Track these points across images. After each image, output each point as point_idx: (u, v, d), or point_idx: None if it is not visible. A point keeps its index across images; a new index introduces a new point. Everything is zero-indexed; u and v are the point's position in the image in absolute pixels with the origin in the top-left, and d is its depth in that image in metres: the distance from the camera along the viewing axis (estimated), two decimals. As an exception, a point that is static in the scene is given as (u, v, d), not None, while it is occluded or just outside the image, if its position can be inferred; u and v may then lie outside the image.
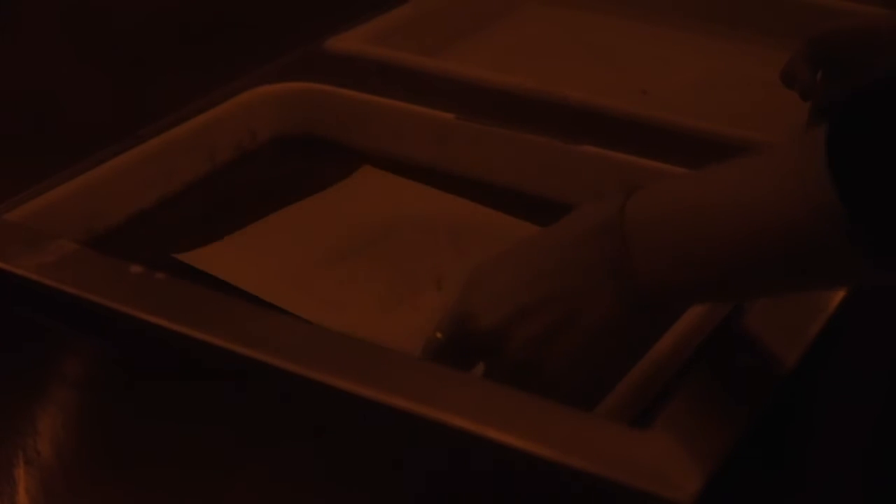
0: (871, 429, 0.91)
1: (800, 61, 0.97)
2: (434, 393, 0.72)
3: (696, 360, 0.80)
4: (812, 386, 0.81)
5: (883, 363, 0.91)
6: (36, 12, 0.99)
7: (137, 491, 0.83)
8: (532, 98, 1.11)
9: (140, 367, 0.80)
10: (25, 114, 0.99)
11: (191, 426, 0.79)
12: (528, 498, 0.70)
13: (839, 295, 0.81)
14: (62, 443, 0.84)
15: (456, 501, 0.72)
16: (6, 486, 0.85)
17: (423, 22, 1.29)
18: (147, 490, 0.82)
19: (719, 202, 0.70)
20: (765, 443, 0.75)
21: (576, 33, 1.34)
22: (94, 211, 0.97)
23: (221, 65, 1.12)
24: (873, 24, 0.97)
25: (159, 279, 0.82)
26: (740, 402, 0.73)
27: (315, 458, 0.76)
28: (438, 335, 0.78)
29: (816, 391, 0.82)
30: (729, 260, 0.70)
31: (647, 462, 0.67)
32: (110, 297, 0.79)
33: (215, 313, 0.79)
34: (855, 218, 0.63)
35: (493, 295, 0.76)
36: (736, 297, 0.79)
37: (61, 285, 0.80)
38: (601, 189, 1.02)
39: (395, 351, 0.79)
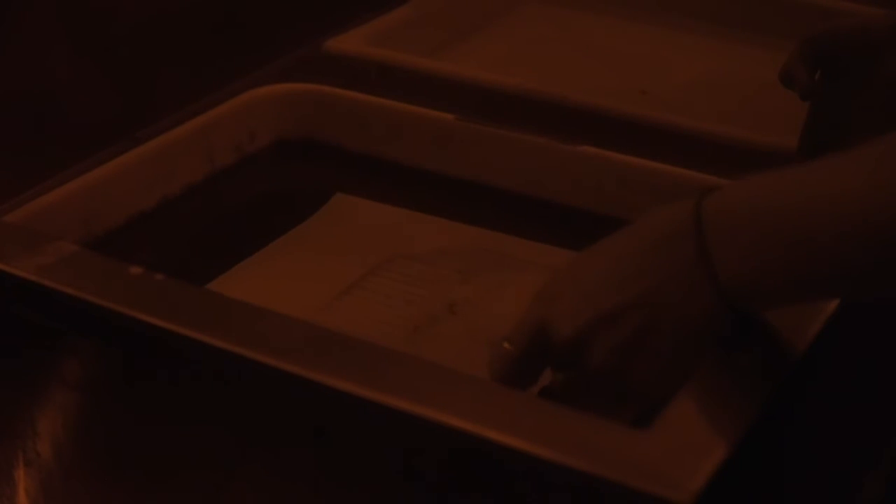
0: (871, 429, 0.91)
1: (797, 62, 0.97)
2: (434, 393, 0.72)
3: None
4: (812, 386, 0.81)
5: (883, 363, 0.91)
6: (36, 13, 0.99)
7: (137, 492, 0.83)
8: (532, 98, 1.11)
9: (139, 367, 0.80)
10: (25, 115, 0.99)
11: (190, 427, 0.79)
12: (528, 498, 0.70)
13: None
14: (62, 444, 0.84)
15: (456, 502, 0.72)
16: (6, 488, 0.85)
17: (423, 23, 1.29)
18: (147, 491, 0.82)
19: (804, 200, 0.69)
20: (765, 443, 0.75)
21: (576, 33, 1.34)
22: (93, 212, 0.97)
23: (221, 65, 1.12)
24: (870, 24, 0.97)
25: (159, 280, 0.82)
26: (740, 402, 0.73)
27: (315, 458, 0.75)
28: (507, 346, 0.76)
29: (817, 391, 0.82)
30: (817, 259, 0.68)
31: (647, 462, 0.67)
32: (109, 298, 0.79)
33: (215, 314, 0.79)
34: None
35: (572, 302, 0.74)
36: (824, 297, 0.77)
37: (60, 286, 0.80)
38: (601, 189, 1.02)
39: (395, 351, 0.79)
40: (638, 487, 0.66)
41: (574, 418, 0.71)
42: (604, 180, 1.02)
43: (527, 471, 0.68)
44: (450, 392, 0.73)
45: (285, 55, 1.17)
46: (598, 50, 1.30)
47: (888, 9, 1.06)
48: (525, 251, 0.99)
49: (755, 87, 1.15)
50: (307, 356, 0.74)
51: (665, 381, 0.73)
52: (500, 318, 0.88)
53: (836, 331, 0.80)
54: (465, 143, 1.07)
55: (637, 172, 1.02)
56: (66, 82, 1.02)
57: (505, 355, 0.75)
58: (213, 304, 0.81)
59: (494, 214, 1.04)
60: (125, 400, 0.82)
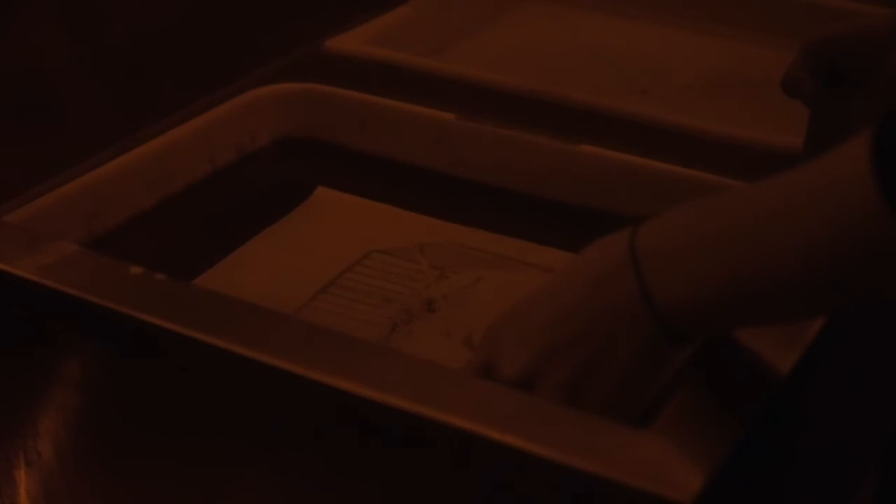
0: (871, 429, 0.91)
1: (800, 68, 0.97)
2: (434, 393, 0.72)
3: (697, 360, 0.80)
4: (812, 386, 0.81)
5: (883, 363, 0.91)
6: (37, 13, 0.99)
7: (138, 492, 0.83)
8: (532, 98, 1.11)
9: (140, 367, 0.80)
10: (26, 115, 0.99)
11: (191, 427, 0.79)
12: (528, 498, 0.70)
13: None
14: (63, 444, 0.84)
15: (456, 501, 0.72)
16: (7, 488, 0.85)
17: (424, 22, 1.29)
18: (147, 491, 0.82)
19: (744, 220, 0.68)
20: (765, 443, 0.75)
21: (576, 33, 1.34)
22: (94, 212, 0.97)
23: (221, 65, 1.12)
24: (872, 27, 0.97)
25: (159, 280, 0.82)
26: (741, 402, 0.73)
27: (315, 458, 0.76)
28: None
29: (816, 391, 0.82)
30: (753, 282, 0.67)
31: (647, 462, 0.67)
32: (110, 297, 0.79)
33: (215, 314, 0.79)
34: None
35: (512, 344, 0.74)
36: (766, 320, 0.75)
37: (61, 286, 0.80)
38: (602, 189, 1.02)
39: (395, 351, 0.79)
40: (638, 487, 0.66)
41: (574, 418, 0.71)
42: (604, 180, 1.02)
43: (527, 471, 0.68)
44: (450, 392, 0.73)
45: (286, 55, 1.17)
46: (598, 50, 1.30)
47: (889, 9, 1.06)
48: (504, 247, 0.99)
49: (755, 87, 1.15)
50: (307, 356, 0.74)
51: (617, 410, 0.73)
52: (476, 316, 0.89)
53: (835, 331, 0.80)
54: (464, 142, 1.07)
55: (637, 172, 1.02)
56: (66, 82, 1.02)
57: None
58: (213, 304, 0.81)
59: (494, 214, 1.04)
60: (126, 400, 0.82)
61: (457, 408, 0.70)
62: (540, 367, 0.73)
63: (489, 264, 0.97)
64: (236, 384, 0.76)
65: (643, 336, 0.71)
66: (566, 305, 0.73)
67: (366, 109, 1.11)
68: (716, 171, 0.99)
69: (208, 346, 0.75)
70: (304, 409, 0.74)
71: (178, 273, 0.89)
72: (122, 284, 0.81)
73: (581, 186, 1.03)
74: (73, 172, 0.97)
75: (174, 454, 0.80)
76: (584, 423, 0.71)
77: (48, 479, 0.84)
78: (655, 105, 1.14)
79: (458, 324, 0.90)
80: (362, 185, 1.07)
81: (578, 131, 1.05)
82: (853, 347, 0.87)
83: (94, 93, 1.03)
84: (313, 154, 1.11)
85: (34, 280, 0.81)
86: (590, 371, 0.72)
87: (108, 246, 0.96)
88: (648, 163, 1.01)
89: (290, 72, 1.14)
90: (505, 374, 0.74)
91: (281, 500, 0.78)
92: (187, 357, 0.77)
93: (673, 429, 0.70)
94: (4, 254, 0.83)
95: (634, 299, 0.71)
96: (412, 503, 0.74)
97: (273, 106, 1.11)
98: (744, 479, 0.73)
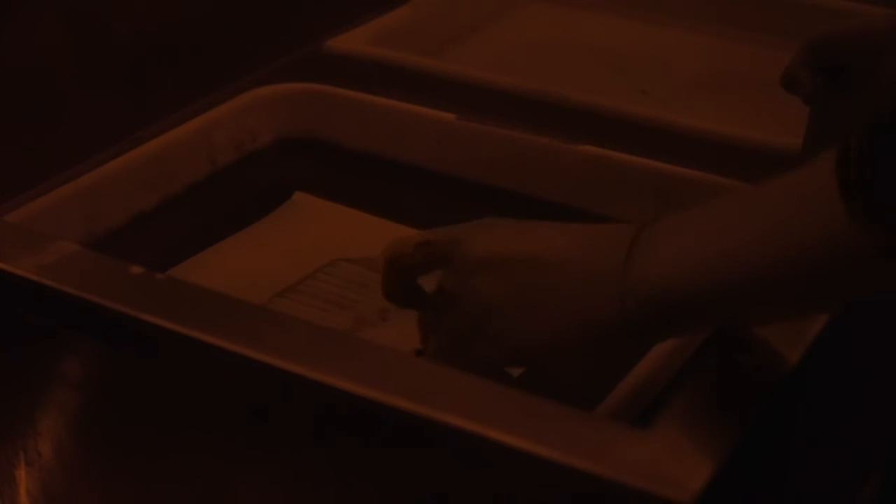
0: (871, 430, 0.91)
1: (800, 66, 0.97)
2: (434, 393, 0.72)
3: (697, 360, 0.80)
4: (812, 386, 0.81)
5: (883, 364, 0.91)
6: (37, 13, 0.99)
7: (138, 491, 0.83)
8: (532, 98, 1.11)
9: (140, 367, 0.80)
10: (26, 114, 0.99)
11: (191, 427, 0.79)
12: (528, 498, 0.70)
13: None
14: (63, 444, 0.84)
15: (456, 502, 0.72)
16: (7, 488, 0.85)
17: (424, 22, 1.29)
18: (148, 491, 0.82)
19: (731, 242, 0.69)
20: (766, 443, 0.75)
21: (576, 33, 1.34)
22: (94, 212, 0.97)
23: (222, 65, 1.12)
24: (873, 27, 0.97)
25: (160, 280, 0.82)
26: (741, 402, 0.73)
27: (315, 458, 0.76)
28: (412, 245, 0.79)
29: (817, 391, 0.82)
30: (736, 290, 0.69)
31: (647, 462, 0.67)
32: (111, 297, 0.79)
33: (216, 314, 0.79)
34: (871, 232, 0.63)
35: (483, 243, 0.76)
36: (751, 321, 0.77)
37: (62, 286, 0.80)
38: (602, 188, 1.02)
39: (395, 351, 0.79)
40: (638, 487, 0.66)
41: (574, 418, 0.71)
42: (604, 179, 1.02)
43: (527, 470, 0.68)
44: (450, 392, 0.73)
45: (286, 55, 1.17)
46: (598, 50, 1.30)
47: (889, 8, 1.06)
48: None
49: (755, 87, 1.15)
50: (307, 356, 0.74)
51: (538, 339, 0.75)
52: None
53: (836, 331, 0.80)
54: (465, 142, 1.07)
55: (638, 171, 1.02)
56: (67, 82, 1.02)
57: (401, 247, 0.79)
58: (213, 304, 0.81)
59: (494, 213, 1.04)
60: (126, 399, 0.82)
61: (457, 408, 0.70)
62: (490, 263, 0.75)
63: None
64: (237, 384, 0.76)
65: (595, 294, 0.72)
66: (541, 230, 0.75)
67: (366, 109, 1.11)
68: (716, 171, 0.99)
69: (208, 345, 0.75)
70: (304, 409, 0.74)
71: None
72: (123, 284, 0.81)
73: (581, 186, 1.03)
74: (73, 172, 0.97)
75: (174, 454, 0.80)
76: (585, 423, 0.72)
77: (48, 478, 0.84)
78: (655, 105, 1.14)
79: (410, 334, 0.90)
80: (362, 185, 1.07)
81: (579, 131, 1.05)
82: (854, 348, 0.87)
83: (94, 92, 1.03)
84: (314, 154, 1.11)
85: (34, 280, 0.81)
86: (526, 288, 0.74)
87: (108, 246, 0.96)
88: (649, 162, 1.01)
89: (291, 72, 1.14)
90: (453, 265, 0.76)
91: (281, 500, 0.78)
92: (187, 357, 0.77)
93: (673, 429, 0.70)
94: (4, 253, 0.83)
95: (614, 277, 0.71)
96: (412, 503, 0.74)
97: (273, 106, 1.11)
98: (744, 480, 0.73)
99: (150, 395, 0.80)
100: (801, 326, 0.78)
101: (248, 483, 0.78)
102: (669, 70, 1.26)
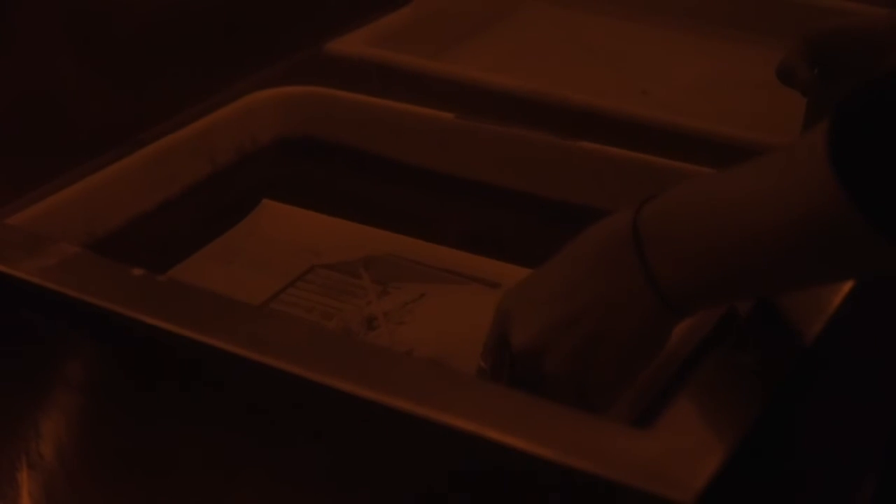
0: (871, 429, 0.91)
1: (796, 58, 0.97)
2: (434, 393, 0.72)
3: (697, 360, 0.80)
4: (812, 386, 0.81)
5: (883, 364, 0.91)
6: (37, 15, 0.99)
7: (140, 493, 0.83)
8: (533, 99, 1.11)
9: (141, 369, 0.80)
10: (27, 117, 0.99)
11: (192, 428, 0.79)
12: (528, 498, 0.70)
13: (840, 294, 0.81)
14: (65, 446, 0.84)
15: (456, 502, 0.72)
16: (9, 490, 0.86)
17: (424, 24, 1.29)
18: (149, 492, 0.82)
19: (729, 199, 0.71)
20: (766, 442, 0.75)
21: (576, 34, 1.34)
22: (95, 214, 0.97)
23: (222, 68, 1.12)
24: (870, 24, 0.97)
25: (161, 282, 0.82)
26: (741, 402, 0.73)
27: (316, 458, 0.76)
28: (481, 363, 0.79)
29: (817, 391, 0.82)
30: (745, 254, 0.70)
31: (648, 462, 0.67)
32: (112, 299, 0.79)
33: (216, 315, 0.79)
34: (860, 208, 0.64)
35: (525, 315, 0.76)
36: (758, 292, 0.79)
37: (63, 288, 0.80)
38: (602, 187, 1.02)
39: (395, 351, 0.79)
40: (639, 487, 0.66)
41: (574, 418, 0.71)
42: (604, 177, 1.02)
43: (527, 470, 0.68)
44: (450, 392, 0.73)
45: (286, 57, 1.17)
46: (598, 50, 1.30)
47: (889, 8, 1.06)
48: (451, 261, 0.99)
49: (755, 87, 1.15)
50: (307, 356, 0.74)
51: (617, 382, 0.76)
52: (416, 334, 0.89)
53: (836, 331, 0.80)
54: (465, 143, 1.07)
55: (638, 169, 1.02)
56: (67, 85, 1.02)
57: (482, 373, 0.79)
58: (214, 306, 0.81)
59: (494, 213, 1.04)
60: (128, 401, 0.82)
61: (457, 408, 0.70)
62: (547, 339, 0.75)
63: (433, 278, 0.97)
64: (237, 385, 0.76)
65: (643, 309, 0.73)
66: (570, 279, 0.76)
67: (366, 111, 1.11)
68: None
69: (209, 347, 0.75)
70: (304, 409, 0.74)
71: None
72: (124, 286, 0.81)
73: (581, 184, 1.03)
74: (74, 175, 0.98)
75: (175, 455, 0.80)
76: (585, 423, 0.72)
77: (50, 480, 0.85)
78: (655, 105, 1.14)
79: (398, 342, 0.90)
80: (363, 186, 1.07)
81: (579, 132, 1.05)
82: (854, 348, 0.87)
83: (95, 95, 1.04)
84: (314, 156, 1.11)
85: (36, 282, 0.81)
86: (594, 344, 0.74)
87: (109, 248, 0.96)
88: (650, 159, 1.01)
89: (291, 74, 1.14)
90: (519, 342, 0.76)
91: (281, 500, 0.78)
92: (189, 358, 0.77)
93: (674, 429, 0.70)
94: (6, 256, 0.83)
95: (636, 273, 0.73)
96: (412, 503, 0.74)
97: (274, 108, 1.11)
98: (745, 480, 0.73)
99: (151, 397, 0.80)
100: (801, 328, 0.78)
101: (249, 483, 0.79)
102: (669, 70, 1.26)
